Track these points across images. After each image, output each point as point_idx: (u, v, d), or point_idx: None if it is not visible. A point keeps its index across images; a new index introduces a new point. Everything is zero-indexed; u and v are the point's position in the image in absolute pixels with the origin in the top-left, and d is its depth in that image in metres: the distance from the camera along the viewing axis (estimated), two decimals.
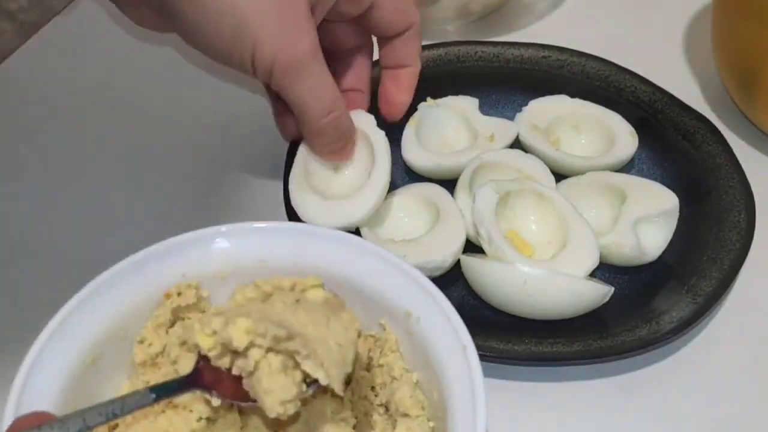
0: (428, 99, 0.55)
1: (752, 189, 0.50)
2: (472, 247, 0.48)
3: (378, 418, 0.38)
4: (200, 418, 0.37)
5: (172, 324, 0.40)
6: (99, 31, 0.65)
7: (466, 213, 0.49)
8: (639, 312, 0.46)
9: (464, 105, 0.56)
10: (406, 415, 0.37)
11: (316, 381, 0.33)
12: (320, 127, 0.45)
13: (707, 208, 0.50)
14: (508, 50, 0.59)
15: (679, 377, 0.45)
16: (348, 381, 0.40)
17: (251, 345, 0.33)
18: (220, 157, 0.56)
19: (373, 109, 0.52)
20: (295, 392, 0.33)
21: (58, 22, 0.66)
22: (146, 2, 0.44)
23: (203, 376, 0.34)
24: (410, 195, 0.51)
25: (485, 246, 0.47)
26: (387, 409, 0.39)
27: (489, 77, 0.58)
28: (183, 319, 0.40)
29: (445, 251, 0.47)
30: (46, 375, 0.35)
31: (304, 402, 0.38)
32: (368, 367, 0.40)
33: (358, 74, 0.51)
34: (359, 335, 0.36)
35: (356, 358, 0.35)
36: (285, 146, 0.51)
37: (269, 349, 0.33)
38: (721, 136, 0.53)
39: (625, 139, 0.54)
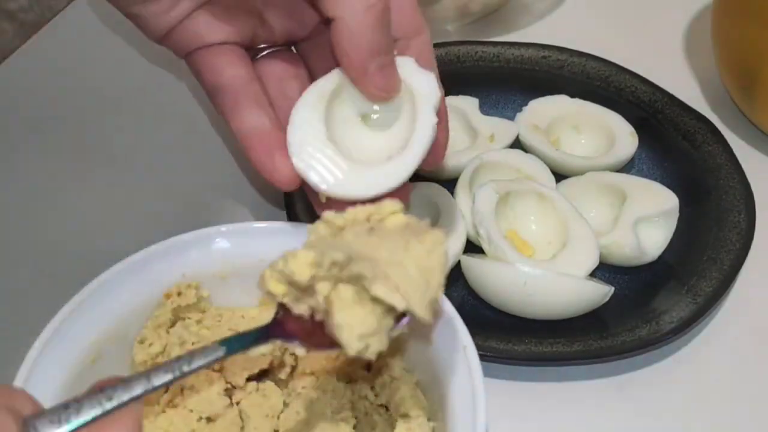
0: None
1: (752, 189, 0.50)
2: (472, 247, 0.48)
3: (378, 418, 0.38)
4: (200, 418, 0.37)
5: (173, 324, 0.40)
6: (99, 31, 0.65)
7: (466, 213, 0.49)
8: (639, 312, 0.46)
9: (464, 105, 0.56)
10: (406, 415, 0.37)
11: (404, 315, 0.31)
12: (364, 20, 0.36)
13: (707, 208, 0.50)
14: (508, 50, 0.59)
15: (679, 377, 0.45)
16: (368, 366, 0.40)
17: (317, 278, 0.30)
18: (221, 157, 0.56)
19: None
20: (375, 324, 0.30)
21: (58, 22, 0.66)
22: None
23: (284, 326, 0.32)
24: (410, 195, 0.51)
25: (485, 246, 0.47)
26: (387, 409, 0.39)
27: (489, 77, 0.58)
28: (183, 319, 0.40)
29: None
30: (46, 375, 0.35)
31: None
32: (368, 367, 0.40)
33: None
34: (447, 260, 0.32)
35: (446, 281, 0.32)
36: None
37: (338, 280, 0.30)
38: (721, 136, 0.53)
39: (625, 139, 0.54)
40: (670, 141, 0.54)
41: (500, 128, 0.55)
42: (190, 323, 0.40)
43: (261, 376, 0.39)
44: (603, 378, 0.45)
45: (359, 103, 0.39)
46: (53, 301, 0.37)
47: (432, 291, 0.31)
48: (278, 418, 0.38)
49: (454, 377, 0.35)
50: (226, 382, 0.38)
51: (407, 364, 0.39)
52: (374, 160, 0.38)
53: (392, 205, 0.33)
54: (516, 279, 0.44)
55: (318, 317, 0.31)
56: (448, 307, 0.37)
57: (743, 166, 0.52)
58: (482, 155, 0.51)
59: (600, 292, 0.45)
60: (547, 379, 0.45)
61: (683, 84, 0.61)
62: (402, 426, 0.37)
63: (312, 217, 0.47)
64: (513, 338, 0.44)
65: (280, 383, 0.39)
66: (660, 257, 0.49)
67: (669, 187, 0.50)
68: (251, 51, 0.43)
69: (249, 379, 0.38)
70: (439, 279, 0.31)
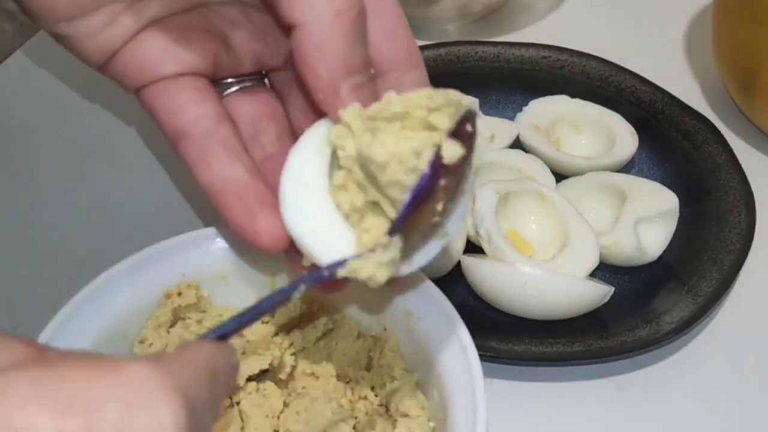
0: None
1: (752, 189, 0.50)
2: (472, 247, 0.48)
3: (378, 419, 0.38)
4: None
5: (173, 324, 0.40)
6: None
7: (467, 213, 0.49)
8: (639, 312, 0.46)
9: None
10: (406, 415, 0.37)
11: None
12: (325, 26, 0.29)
13: (707, 208, 0.50)
14: (508, 50, 0.59)
15: (680, 377, 0.45)
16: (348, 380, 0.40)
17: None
18: None
19: None
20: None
21: None
22: None
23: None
24: None
25: (485, 246, 0.47)
26: (387, 410, 0.39)
27: (489, 77, 0.58)
28: (183, 319, 0.40)
29: (447, 252, 0.47)
30: None
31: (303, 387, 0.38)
32: (368, 367, 0.40)
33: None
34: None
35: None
36: None
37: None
38: (722, 136, 0.53)
39: (625, 140, 0.53)
40: (671, 141, 0.54)
41: (500, 128, 0.55)
42: (191, 323, 0.40)
43: (261, 376, 0.39)
44: (603, 378, 0.45)
45: None
46: (53, 301, 0.36)
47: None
48: (278, 418, 0.38)
49: (455, 377, 0.35)
50: None
51: (407, 364, 0.39)
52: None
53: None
54: (516, 279, 0.44)
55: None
56: (448, 308, 0.37)
57: (743, 166, 0.52)
58: (482, 155, 0.51)
59: (600, 292, 0.45)
60: (547, 379, 0.45)
61: (683, 84, 0.61)
62: (402, 426, 0.37)
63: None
64: (513, 338, 0.44)
65: (280, 383, 0.39)
66: (660, 257, 0.49)
67: (669, 187, 0.50)
68: (216, 87, 0.36)
69: (249, 379, 0.38)
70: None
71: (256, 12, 0.36)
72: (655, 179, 0.52)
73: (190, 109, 0.34)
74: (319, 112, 0.32)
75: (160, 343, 0.39)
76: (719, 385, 0.45)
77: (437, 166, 0.28)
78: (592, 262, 0.46)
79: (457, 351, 0.36)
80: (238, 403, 0.38)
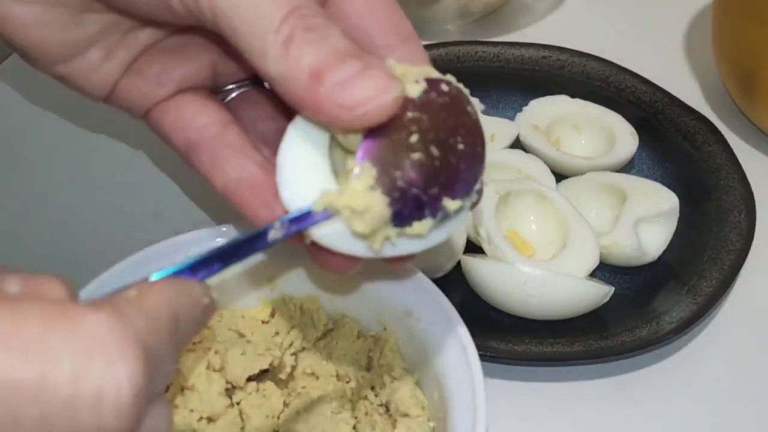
0: None
1: (752, 189, 0.50)
2: (472, 247, 0.48)
3: (378, 418, 0.38)
4: (201, 418, 0.37)
5: None
6: None
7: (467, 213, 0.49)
8: (639, 312, 0.46)
9: None
10: (406, 415, 0.37)
11: None
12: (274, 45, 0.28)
13: (707, 208, 0.50)
14: (508, 50, 0.59)
15: (680, 377, 0.45)
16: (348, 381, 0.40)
17: None
18: None
19: None
20: None
21: None
22: None
23: None
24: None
25: (485, 246, 0.47)
26: (387, 409, 0.38)
27: (489, 77, 0.58)
28: None
29: (447, 252, 0.47)
30: None
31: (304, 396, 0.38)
32: (368, 367, 0.40)
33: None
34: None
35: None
36: None
37: None
38: (722, 136, 0.53)
39: (625, 140, 0.53)
40: (671, 141, 0.54)
41: (500, 128, 0.55)
42: None
43: (261, 376, 0.39)
44: (603, 378, 0.45)
45: None
46: None
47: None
48: (278, 418, 0.38)
49: (455, 377, 0.35)
50: (227, 382, 0.38)
51: (407, 364, 0.39)
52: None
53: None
54: (516, 279, 0.44)
55: None
56: (448, 308, 0.37)
57: (743, 166, 0.51)
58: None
59: (600, 292, 0.45)
60: (547, 378, 0.45)
61: (683, 84, 0.61)
62: (402, 426, 0.37)
63: None
64: (513, 338, 0.44)
65: (280, 383, 0.39)
66: (660, 257, 0.48)
67: (669, 187, 0.50)
68: (217, 95, 0.37)
69: (249, 379, 0.38)
70: None
71: None
72: (655, 179, 0.52)
73: (195, 120, 0.35)
74: None
75: None
76: (719, 385, 0.45)
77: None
78: (592, 262, 0.46)
79: (457, 351, 0.36)
80: (238, 404, 0.38)
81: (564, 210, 0.48)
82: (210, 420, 0.37)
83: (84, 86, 0.35)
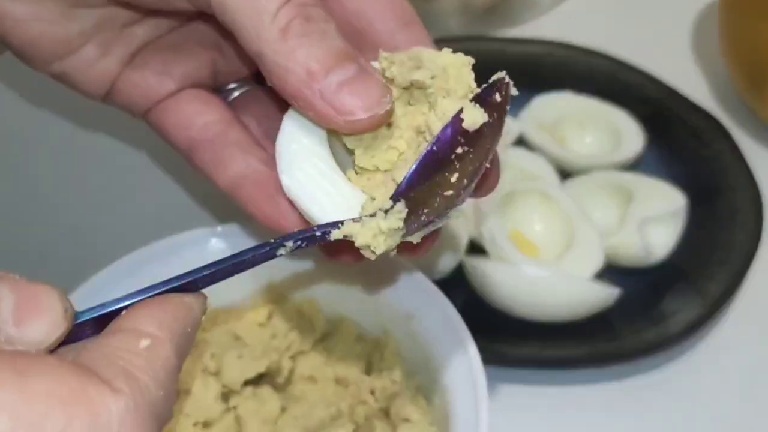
0: None
1: (761, 189, 0.50)
2: (475, 248, 0.48)
3: (378, 423, 0.38)
4: (196, 423, 0.37)
5: None
6: None
7: (469, 213, 0.48)
8: (646, 314, 0.45)
9: None
10: (406, 420, 0.37)
11: None
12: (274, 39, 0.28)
13: (715, 208, 0.50)
14: (511, 46, 0.59)
15: (688, 380, 0.45)
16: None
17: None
18: None
19: None
20: None
21: None
22: None
23: None
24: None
25: (488, 247, 0.46)
26: (387, 414, 0.38)
27: (492, 73, 0.57)
28: None
29: (449, 253, 0.46)
30: None
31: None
32: (368, 371, 0.40)
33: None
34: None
35: None
36: None
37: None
38: (729, 134, 0.53)
39: (631, 137, 0.53)
40: (678, 139, 0.54)
41: (504, 126, 0.54)
42: None
43: (258, 380, 0.38)
44: (610, 381, 0.44)
45: None
46: None
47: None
48: (276, 423, 0.37)
49: (456, 381, 0.35)
50: (223, 387, 0.38)
51: (408, 367, 0.39)
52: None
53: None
54: (520, 280, 0.44)
55: None
56: (450, 310, 0.36)
57: (752, 164, 0.51)
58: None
59: (606, 293, 0.45)
60: (552, 382, 0.44)
61: (690, 81, 0.60)
62: (403, 431, 0.36)
63: None
64: (517, 341, 0.44)
65: (277, 388, 0.39)
66: (667, 258, 0.48)
67: (676, 186, 0.50)
68: (219, 95, 0.37)
69: (246, 384, 0.38)
70: None
71: None
72: (662, 178, 0.51)
73: (197, 119, 0.34)
74: None
75: None
76: (728, 389, 0.44)
77: (455, 131, 0.27)
78: (597, 263, 0.46)
79: (460, 354, 0.35)
80: (234, 408, 0.38)
81: (569, 209, 0.48)
82: (206, 425, 0.37)
83: (81, 84, 0.35)
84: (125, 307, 0.25)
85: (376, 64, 0.30)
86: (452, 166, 0.28)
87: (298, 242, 0.27)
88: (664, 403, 0.44)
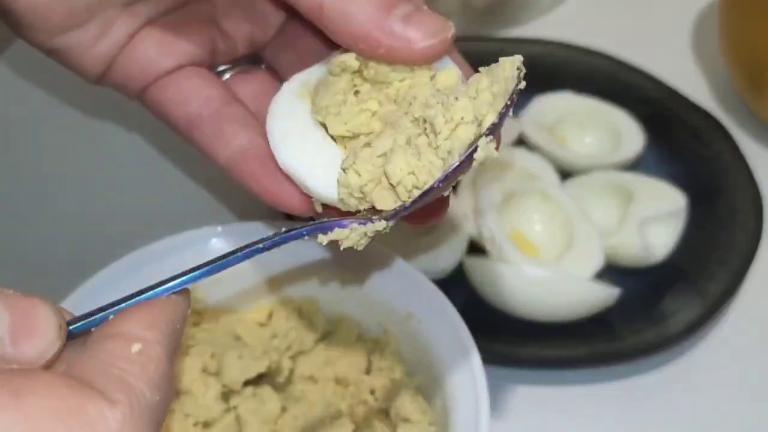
0: None
1: (761, 189, 0.50)
2: (475, 248, 0.48)
3: (378, 424, 0.38)
4: (196, 423, 0.37)
5: None
6: None
7: (469, 213, 0.48)
8: (646, 314, 0.45)
9: None
10: (406, 420, 0.37)
11: None
12: None
13: (715, 208, 0.50)
14: (511, 46, 0.58)
15: (688, 380, 0.45)
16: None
17: None
18: None
19: None
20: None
21: None
22: None
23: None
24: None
25: (489, 247, 0.46)
26: (387, 414, 0.38)
27: None
28: None
29: (449, 253, 0.46)
30: None
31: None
32: (368, 371, 0.39)
33: None
34: None
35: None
36: None
37: None
38: (729, 134, 0.53)
39: (631, 137, 0.53)
40: (678, 139, 0.53)
41: (504, 126, 0.54)
42: (186, 325, 0.39)
43: (258, 380, 0.38)
44: (610, 382, 0.44)
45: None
46: None
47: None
48: (276, 423, 0.37)
49: (457, 381, 0.35)
50: (223, 387, 0.38)
51: (408, 367, 0.39)
52: None
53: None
54: (520, 280, 0.44)
55: None
56: (451, 310, 0.36)
57: (752, 164, 0.51)
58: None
59: (606, 293, 0.45)
60: (552, 382, 0.44)
61: (690, 81, 0.60)
62: (403, 431, 0.36)
63: (310, 217, 0.46)
64: (517, 341, 0.44)
65: (277, 387, 0.39)
66: (668, 258, 0.48)
67: (676, 186, 0.50)
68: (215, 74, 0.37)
69: (246, 384, 0.38)
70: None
71: None
72: (662, 178, 0.51)
73: (196, 94, 0.34)
74: None
75: None
76: (728, 389, 0.44)
77: (464, 165, 0.27)
78: (597, 263, 0.46)
79: (460, 354, 0.35)
80: (234, 408, 0.38)
81: (569, 210, 0.48)
82: (206, 425, 0.37)
83: (81, 62, 0.34)
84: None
85: None
86: (449, 186, 0.28)
87: (287, 241, 0.28)
88: (664, 403, 0.44)
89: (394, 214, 0.28)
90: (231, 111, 0.34)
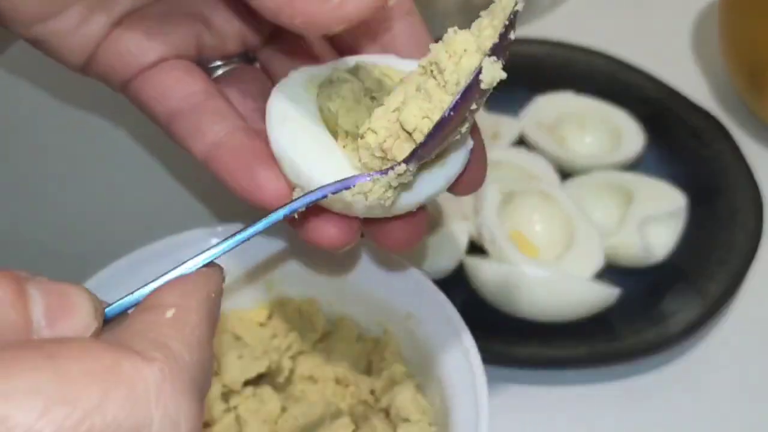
0: None
1: (761, 189, 0.50)
2: (475, 248, 0.48)
3: (378, 423, 0.37)
4: None
5: None
6: None
7: (469, 213, 0.48)
8: (646, 314, 0.45)
9: None
10: (406, 419, 0.37)
11: None
12: None
13: (715, 207, 0.49)
14: (512, 46, 0.58)
15: (688, 380, 0.45)
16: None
17: None
18: None
19: None
20: None
21: None
22: None
23: None
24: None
25: (489, 247, 0.46)
26: (387, 414, 0.38)
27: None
28: None
29: (449, 253, 0.46)
30: None
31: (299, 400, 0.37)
32: (368, 371, 0.39)
33: None
34: None
35: None
36: None
37: None
38: (729, 134, 0.53)
39: (631, 137, 0.53)
40: (678, 139, 0.53)
41: (504, 125, 0.54)
42: None
43: (258, 380, 0.38)
44: (609, 381, 0.44)
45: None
46: None
47: None
48: (276, 423, 0.37)
49: (457, 381, 0.35)
50: (223, 386, 0.38)
51: (408, 367, 0.38)
52: None
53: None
54: (520, 280, 0.44)
55: None
56: (450, 310, 0.36)
57: (752, 164, 0.51)
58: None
59: (606, 293, 0.45)
60: (552, 382, 0.44)
61: (690, 81, 0.60)
62: (403, 430, 0.36)
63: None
64: (516, 341, 0.44)
65: (278, 387, 0.38)
66: (667, 258, 0.48)
67: (676, 186, 0.50)
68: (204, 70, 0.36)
69: (246, 383, 0.38)
70: None
71: None
72: (662, 178, 0.51)
73: (178, 88, 0.33)
74: None
75: None
76: (728, 389, 0.44)
77: (473, 89, 0.27)
78: (597, 263, 0.46)
79: (459, 354, 0.35)
80: (235, 408, 0.38)
81: (569, 209, 0.48)
82: (206, 425, 0.37)
83: (61, 51, 0.33)
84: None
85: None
86: (464, 120, 0.28)
87: (310, 202, 0.27)
88: (664, 403, 0.44)
89: (412, 156, 0.27)
90: (211, 104, 0.33)
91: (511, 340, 0.44)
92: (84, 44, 0.33)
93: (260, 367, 0.38)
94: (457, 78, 0.27)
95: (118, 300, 0.25)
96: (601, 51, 0.58)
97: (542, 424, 0.43)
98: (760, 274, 0.48)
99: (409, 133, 0.28)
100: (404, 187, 0.29)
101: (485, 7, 0.28)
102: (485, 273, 0.45)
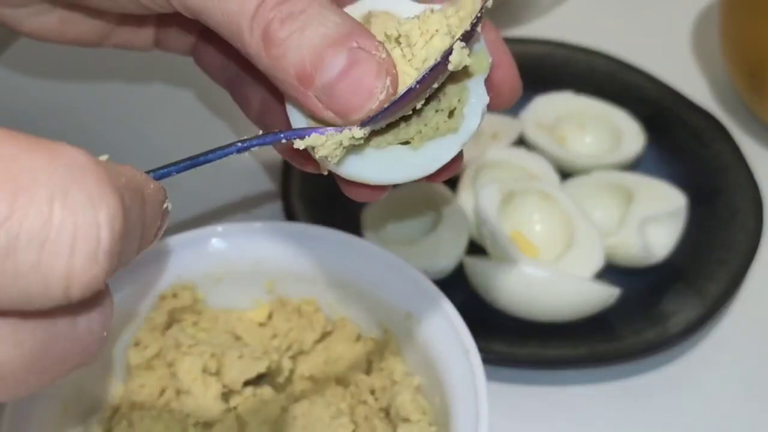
0: None
1: (761, 189, 0.50)
2: (475, 248, 0.48)
3: (378, 423, 0.37)
4: (197, 423, 0.37)
5: (168, 326, 0.39)
6: None
7: (469, 213, 0.48)
8: (646, 314, 0.45)
9: None
10: (406, 420, 0.36)
11: None
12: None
13: (715, 208, 0.49)
14: (511, 46, 0.58)
15: (688, 380, 0.44)
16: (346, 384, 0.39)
17: None
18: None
19: None
20: None
21: None
22: None
23: None
24: (412, 194, 0.50)
25: (489, 247, 0.46)
26: (387, 414, 0.38)
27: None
28: (179, 321, 0.39)
29: (449, 253, 0.46)
30: None
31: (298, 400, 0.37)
32: (368, 371, 0.39)
33: None
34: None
35: None
36: None
37: None
38: (729, 134, 0.53)
39: (631, 137, 0.53)
40: (678, 139, 0.53)
41: (504, 126, 0.54)
42: (186, 325, 0.39)
43: (258, 380, 0.38)
44: (609, 382, 0.44)
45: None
46: None
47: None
48: (276, 423, 0.37)
49: (457, 381, 0.35)
50: (223, 387, 0.37)
51: (408, 367, 0.38)
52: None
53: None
54: (520, 280, 0.44)
55: None
56: (450, 310, 0.36)
57: (752, 164, 0.51)
58: (485, 154, 0.51)
59: (606, 293, 0.45)
60: (552, 382, 0.44)
61: (690, 81, 0.60)
62: (403, 430, 0.36)
63: (310, 217, 0.47)
64: (516, 341, 0.44)
65: (277, 388, 0.38)
66: (667, 258, 0.48)
67: (676, 186, 0.50)
68: None
69: (246, 384, 0.38)
70: None
71: None
72: (662, 178, 0.51)
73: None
74: None
75: (156, 346, 0.38)
76: (727, 389, 0.44)
77: (438, 68, 0.27)
78: (597, 263, 0.46)
79: (459, 354, 0.35)
80: (235, 408, 0.37)
81: (569, 209, 0.47)
82: (206, 425, 0.37)
83: (21, 30, 0.35)
84: None
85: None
86: (422, 96, 0.28)
87: (260, 143, 0.28)
88: (664, 403, 0.44)
89: (368, 120, 0.28)
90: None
91: (511, 340, 0.44)
92: (43, 30, 0.35)
93: (260, 367, 0.37)
94: (426, 55, 0.28)
95: None
96: (601, 51, 0.58)
97: (542, 424, 0.43)
98: (760, 274, 0.48)
99: None
100: (354, 149, 0.29)
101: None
102: (485, 273, 0.45)
